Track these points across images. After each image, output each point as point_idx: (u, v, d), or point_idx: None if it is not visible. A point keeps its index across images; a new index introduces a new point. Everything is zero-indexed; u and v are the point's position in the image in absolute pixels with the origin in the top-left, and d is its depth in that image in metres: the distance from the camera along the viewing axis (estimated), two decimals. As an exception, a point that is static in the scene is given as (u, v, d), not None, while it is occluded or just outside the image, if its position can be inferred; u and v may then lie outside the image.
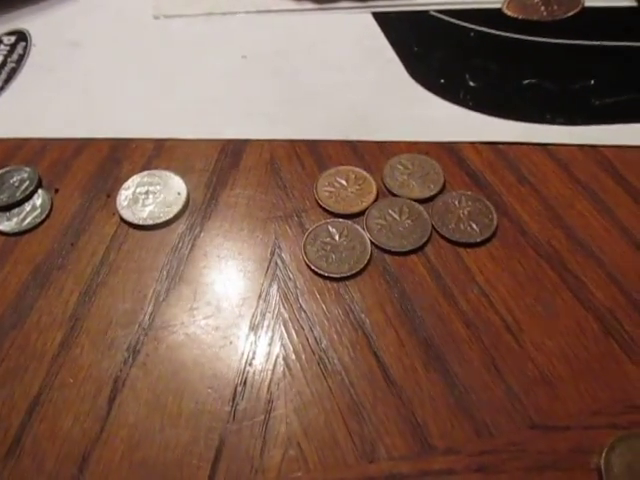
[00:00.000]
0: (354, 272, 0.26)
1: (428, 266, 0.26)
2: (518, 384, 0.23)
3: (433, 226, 0.27)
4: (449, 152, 0.31)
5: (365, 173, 0.29)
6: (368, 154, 0.31)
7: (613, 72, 0.34)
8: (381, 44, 0.36)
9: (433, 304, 0.25)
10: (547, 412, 0.22)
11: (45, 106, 0.34)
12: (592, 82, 0.34)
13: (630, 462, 0.21)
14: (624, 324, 0.25)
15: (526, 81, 0.34)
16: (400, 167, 0.29)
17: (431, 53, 0.35)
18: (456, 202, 0.28)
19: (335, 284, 0.26)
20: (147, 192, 0.28)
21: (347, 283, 0.26)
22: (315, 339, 0.24)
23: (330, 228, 0.27)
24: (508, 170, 0.30)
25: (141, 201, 0.28)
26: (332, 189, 0.28)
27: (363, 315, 0.25)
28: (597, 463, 0.21)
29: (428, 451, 0.21)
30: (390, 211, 0.28)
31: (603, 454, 0.21)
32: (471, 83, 0.33)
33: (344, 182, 0.29)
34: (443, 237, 0.27)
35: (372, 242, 0.27)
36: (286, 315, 0.25)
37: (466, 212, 0.28)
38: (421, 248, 0.27)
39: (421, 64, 0.35)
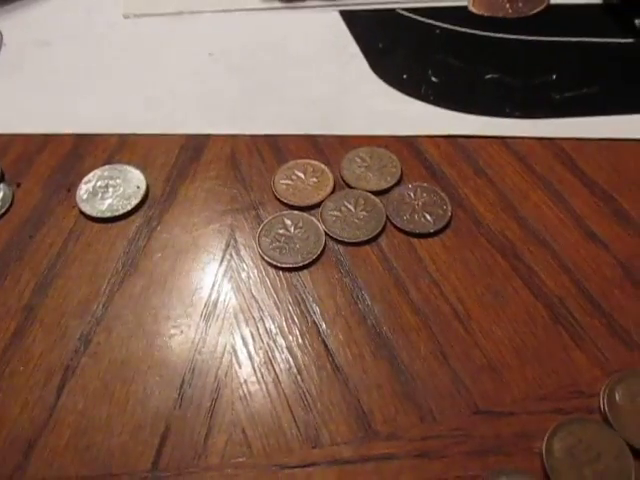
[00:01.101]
0: (307, 262, 0.26)
1: (381, 256, 0.27)
2: (464, 371, 0.23)
3: (388, 217, 0.27)
4: (408, 146, 0.31)
5: (323, 166, 0.29)
6: (328, 148, 0.31)
7: (575, 67, 0.35)
8: (346, 41, 0.36)
9: (384, 293, 0.25)
10: (492, 398, 0.22)
11: (12, 103, 0.34)
12: (554, 77, 0.34)
13: (571, 446, 0.21)
14: (573, 312, 0.25)
15: (488, 76, 0.34)
16: (358, 160, 0.30)
17: (395, 49, 0.36)
18: (411, 194, 0.28)
19: (288, 274, 0.26)
20: (107, 186, 0.29)
21: (300, 273, 0.26)
22: (265, 328, 0.24)
23: (285, 220, 0.27)
24: (465, 163, 0.30)
25: (100, 194, 0.28)
26: (289, 182, 0.29)
27: (314, 304, 0.25)
28: (540, 447, 0.21)
29: (371, 436, 0.21)
30: (346, 203, 0.28)
31: (545, 438, 0.21)
32: (433, 78, 0.34)
33: (302, 175, 0.29)
34: (397, 228, 0.27)
35: (326, 233, 0.27)
36: (237, 305, 0.25)
37: (421, 203, 0.28)
38: (375, 239, 0.27)
39: (385, 60, 0.35)
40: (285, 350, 0.24)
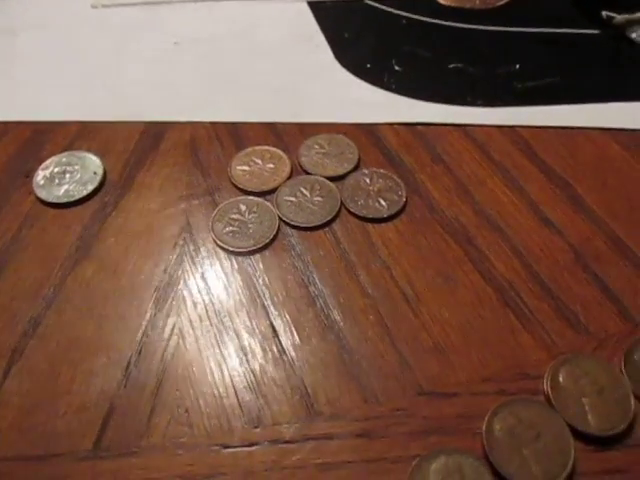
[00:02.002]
0: (259, 247, 0.26)
1: (334, 241, 0.27)
2: (410, 353, 0.23)
3: (342, 202, 0.27)
4: (368, 133, 0.31)
5: (281, 152, 0.29)
6: (288, 135, 0.31)
7: (539, 58, 0.35)
8: (313, 30, 0.36)
9: (334, 277, 0.25)
10: (437, 379, 0.22)
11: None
12: (517, 67, 0.34)
13: (512, 426, 0.21)
14: (522, 295, 0.25)
15: (452, 66, 0.34)
16: (316, 147, 0.30)
17: (361, 39, 0.36)
18: (367, 179, 0.28)
19: (240, 258, 0.26)
20: (64, 172, 0.29)
21: (252, 257, 0.26)
22: (214, 311, 0.24)
23: (240, 205, 0.27)
24: (424, 150, 0.30)
25: (57, 180, 0.28)
26: (247, 168, 0.29)
27: (264, 288, 0.25)
28: (481, 428, 0.21)
29: (313, 417, 0.21)
30: (301, 188, 0.28)
31: (486, 419, 0.21)
32: (397, 68, 0.34)
33: (259, 161, 0.29)
34: (351, 213, 0.27)
35: (280, 218, 0.27)
36: (188, 288, 0.25)
37: (376, 189, 0.28)
38: (329, 223, 0.27)
39: (350, 50, 0.35)
40: (232, 332, 0.24)
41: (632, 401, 0.22)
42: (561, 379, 0.22)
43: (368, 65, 0.34)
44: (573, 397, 0.22)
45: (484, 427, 0.21)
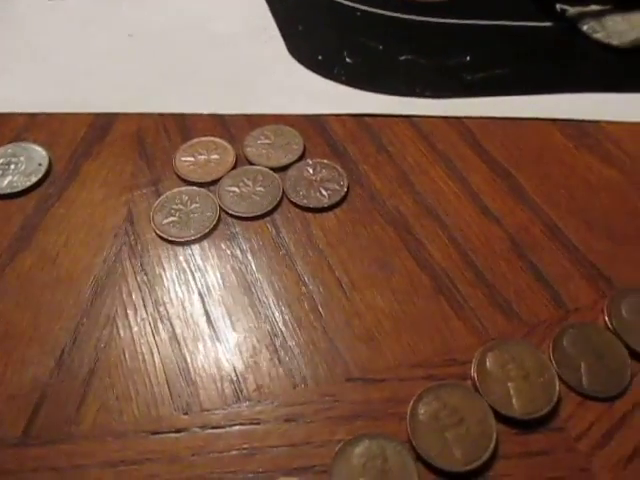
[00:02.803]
0: (199, 236, 0.26)
1: (274, 230, 0.27)
2: (342, 340, 0.23)
3: (284, 193, 0.28)
4: (315, 124, 0.31)
5: (226, 143, 0.30)
6: (235, 127, 0.31)
7: (490, 50, 0.35)
8: (267, 22, 0.36)
9: (272, 266, 0.26)
10: (366, 366, 0.23)
11: None
12: (467, 59, 0.34)
13: (435, 411, 0.21)
14: (457, 283, 0.25)
15: (402, 57, 0.34)
16: (262, 138, 0.30)
17: (314, 31, 0.36)
18: (310, 170, 0.29)
19: (180, 248, 0.26)
20: (9, 163, 0.29)
21: (192, 247, 0.26)
22: (151, 300, 0.24)
23: (182, 196, 0.27)
24: (369, 140, 0.30)
25: (1, 172, 0.28)
26: (191, 159, 0.29)
27: (201, 277, 0.25)
28: (407, 412, 0.22)
29: (242, 402, 0.22)
30: (245, 179, 0.28)
31: (411, 403, 0.22)
32: (348, 59, 0.34)
33: (204, 152, 0.29)
34: (293, 203, 0.27)
35: (222, 208, 0.27)
36: (126, 278, 0.25)
37: (318, 179, 0.28)
38: (270, 213, 0.27)
39: (302, 41, 0.35)
40: (167, 321, 0.24)
41: (557, 385, 0.22)
42: (488, 364, 0.23)
43: (320, 57, 0.34)
44: (499, 382, 0.22)
45: (408, 411, 0.21)
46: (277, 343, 0.23)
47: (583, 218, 0.27)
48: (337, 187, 0.28)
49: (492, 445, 0.21)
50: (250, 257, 0.26)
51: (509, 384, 0.22)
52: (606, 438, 0.21)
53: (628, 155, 0.30)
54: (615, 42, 0.35)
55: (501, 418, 0.21)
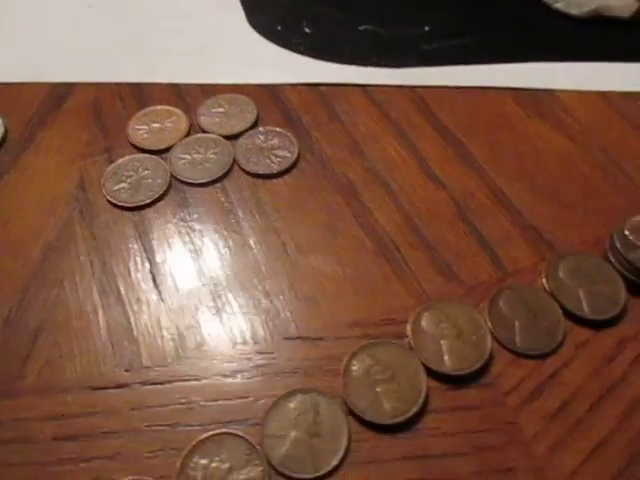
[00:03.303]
0: (148, 202, 0.26)
1: (223, 197, 0.27)
2: (283, 300, 0.24)
3: (235, 160, 0.28)
4: (270, 93, 0.31)
5: (180, 112, 0.30)
6: (191, 96, 0.31)
7: (450, 19, 0.35)
8: (228, -6, 0.37)
9: (219, 230, 0.26)
10: (306, 325, 0.23)
11: None
12: (426, 29, 0.34)
13: (368, 367, 0.22)
14: (400, 246, 0.26)
15: (362, 27, 0.34)
16: (216, 106, 0.30)
17: (275, 2, 0.36)
18: (262, 137, 0.29)
19: (130, 214, 0.27)
20: (-35, 131, 0.29)
21: (142, 213, 0.27)
22: (99, 263, 0.25)
23: (135, 163, 0.28)
24: (323, 109, 0.31)
25: (-43, 140, 0.29)
26: (145, 127, 0.29)
27: (149, 241, 0.26)
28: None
29: (182, 360, 0.22)
30: (196, 146, 0.28)
31: (345, 360, 0.22)
32: (307, 30, 0.34)
33: (158, 121, 0.29)
34: (243, 170, 0.28)
35: (173, 175, 0.27)
36: (76, 242, 0.26)
37: (269, 146, 0.28)
38: (220, 180, 0.28)
39: (263, 12, 0.35)
40: (113, 283, 0.24)
41: (489, 343, 0.23)
42: (423, 323, 0.23)
43: (279, 27, 0.34)
44: (432, 339, 0.23)
45: (342, 368, 0.22)
46: (219, 304, 0.24)
47: (529, 184, 0.28)
48: (287, 154, 0.28)
49: (421, 399, 0.21)
50: (198, 222, 0.26)
51: (442, 342, 0.23)
52: (535, 394, 0.22)
53: (579, 123, 0.30)
54: (574, 12, 0.35)
55: (433, 374, 0.22)
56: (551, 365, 0.23)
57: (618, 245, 0.25)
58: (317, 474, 0.20)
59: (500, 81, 0.32)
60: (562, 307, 0.24)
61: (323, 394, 0.21)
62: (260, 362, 0.22)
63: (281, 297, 0.24)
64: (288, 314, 0.24)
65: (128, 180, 0.27)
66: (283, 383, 0.22)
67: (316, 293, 0.24)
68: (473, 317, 0.23)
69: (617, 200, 0.28)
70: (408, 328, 0.23)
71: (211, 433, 0.21)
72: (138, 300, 0.24)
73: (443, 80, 0.32)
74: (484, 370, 0.22)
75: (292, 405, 0.21)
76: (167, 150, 0.28)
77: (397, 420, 0.21)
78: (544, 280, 0.24)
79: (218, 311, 0.24)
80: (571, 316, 0.24)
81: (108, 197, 0.26)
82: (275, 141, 0.29)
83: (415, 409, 0.21)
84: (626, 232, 0.25)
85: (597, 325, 0.24)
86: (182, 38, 0.34)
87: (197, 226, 0.26)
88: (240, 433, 0.21)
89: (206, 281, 0.24)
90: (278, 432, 0.21)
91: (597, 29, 0.35)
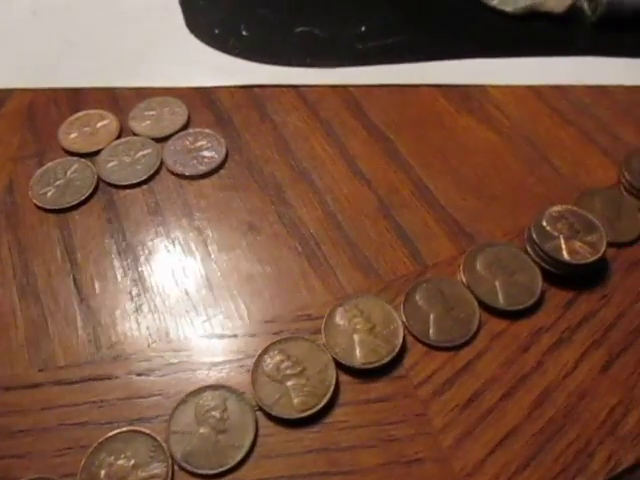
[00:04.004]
0: (74, 204, 0.27)
1: (150, 198, 0.27)
2: (200, 299, 0.24)
3: (163, 161, 0.28)
4: (202, 95, 0.32)
5: (112, 115, 0.30)
6: (125, 99, 0.31)
7: (386, 19, 0.36)
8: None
9: (143, 232, 0.26)
10: (222, 323, 0.23)
11: None
12: (363, 29, 0.35)
13: (279, 362, 0.22)
14: (320, 243, 0.26)
15: (298, 29, 0.35)
16: (148, 109, 0.30)
17: (215, 5, 0.36)
18: (190, 139, 0.29)
19: (55, 216, 0.27)
20: None
21: (67, 215, 0.27)
22: (21, 265, 0.25)
23: (63, 166, 0.28)
24: (255, 110, 0.31)
25: None
26: (76, 131, 0.30)
27: (73, 243, 0.26)
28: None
29: (96, 359, 0.22)
30: (126, 149, 0.29)
31: (256, 356, 0.22)
32: (244, 32, 0.34)
33: (89, 124, 0.30)
34: (171, 171, 0.28)
35: (100, 177, 0.28)
36: (2, 244, 0.26)
37: (197, 147, 0.29)
38: (147, 182, 0.28)
39: (201, 16, 0.36)
40: (34, 285, 0.24)
41: (401, 336, 0.23)
42: (337, 318, 0.23)
43: (216, 30, 0.35)
44: (344, 334, 0.23)
45: (253, 364, 0.22)
46: (137, 303, 0.24)
47: (454, 178, 0.28)
48: (215, 155, 0.28)
49: (329, 393, 0.21)
50: (124, 224, 0.26)
51: (354, 336, 0.23)
52: (446, 385, 0.22)
53: (508, 117, 0.31)
54: (508, 9, 0.35)
55: (344, 368, 0.22)
56: (464, 356, 0.23)
57: (534, 236, 0.25)
58: (220, 469, 0.20)
59: (432, 78, 0.32)
60: (478, 299, 0.24)
61: (232, 390, 0.21)
62: (174, 360, 0.23)
63: (198, 296, 0.24)
64: (204, 312, 0.24)
65: (55, 183, 0.27)
66: (195, 380, 0.22)
67: (235, 291, 0.24)
68: (387, 311, 0.23)
69: (542, 191, 0.28)
70: (323, 324, 0.23)
71: (118, 431, 0.21)
72: (56, 301, 0.24)
73: (376, 79, 0.32)
74: (396, 363, 0.22)
75: (200, 402, 0.21)
76: (97, 153, 0.29)
77: (304, 414, 0.21)
78: (461, 273, 0.25)
79: (135, 310, 0.24)
80: (487, 308, 0.24)
81: (34, 200, 0.27)
82: (203, 142, 0.29)
83: (323, 403, 0.21)
84: (544, 223, 0.25)
85: (513, 316, 0.24)
86: (120, 43, 0.34)
87: (121, 227, 0.26)
88: (147, 430, 0.21)
89: (126, 281, 0.25)
90: (184, 429, 0.21)
91: (531, 25, 0.36)
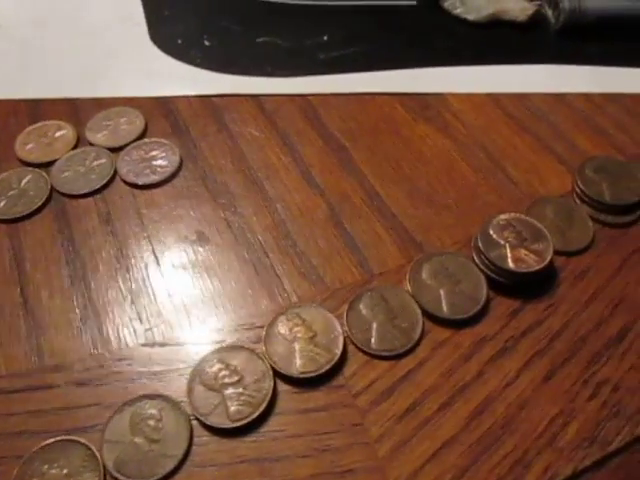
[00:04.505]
0: (26, 214, 0.27)
1: (102, 207, 0.27)
2: (148, 309, 0.24)
3: (117, 171, 0.28)
4: (161, 105, 0.32)
5: (69, 126, 0.30)
6: (84, 110, 0.32)
7: (349, 29, 0.36)
8: (135, 10, 0.37)
9: (94, 241, 0.26)
10: (166, 332, 0.23)
11: None
12: (325, 38, 0.35)
13: (217, 371, 0.22)
14: (269, 252, 0.26)
15: (260, 39, 0.35)
16: (106, 120, 0.31)
17: (179, 16, 0.37)
18: (145, 149, 0.29)
19: (6, 226, 0.27)
20: None
21: (19, 225, 0.27)
22: (-30, 276, 0.25)
23: (17, 177, 0.28)
24: (212, 120, 0.31)
25: None
26: (33, 142, 0.30)
27: (24, 252, 0.26)
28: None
29: (37, 369, 0.22)
30: (80, 159, 0.29)
31: (195, 363, 0.22)
32: (206, 42, 0.35)
33: (46, 135, 0.30)
34: (124, 181, 0.28)
35: (54, 187, 0.28)
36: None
37: (151, 157, 0.29)
38: (99, 191, 0.28)
39: (165, 27, 0.36)
40: (-19, 294, 0.25)
41: (341, 345, 0.23)
42: (278, 327, 0.23)
43: (179, 41, 0.35)
44: (285, 343, 0.23)
45: (190, 373, 0.22)
46: (83, 312, 0.24)
47: (406, 187, 0.28)
48: (168, 165, 0.28)
49: (265, 403, 0.21)
50: (74, 233, 0.27)
51: (295, 345, 0.23)
52: (385, 395, 0.22)
53: (465, 125, 0.31)
54: (472, 17, 0.35)
55: (283, 377, 0.22)
56: (405, 366, 0.23)
57: (480, 244, 0.25)
58: (152, 479, 0.20)
59: (391, 87, 0.32)
60: (422, 308, 0.24)
61: (169, 399, 0.21)
62: (115, 369, 0.23)
63: (145, 306, 0.24)
64: (149, 321, 0.24)
65: (9, 194, 0.28)
66: (134, 389, 0.22)
67: (179, 300, 0.24)
68: (329, 320, 0.23)
69: (494, 200, 0.28)
70: (264, 333, 0.23)
71: (53, 440, 0.21)
72: (2, 310, 0.24)
73: (335, 88, 0.32)
74: (335, 372, 0.22)
75: (136, 411, 0.21)
76: (53, 163, 0.29)
77: (239, 424, 0.21)
78: (407, 281, 0.25)
79: (80, 320, 0.24)
80: (431, 317, 0.24)
81: (-14, 211, 0.27)
82: (157, 152, 0.29)
83: (258, 412, 0.21)
84: (490, 231, 0.25)
85: (457, 325, 0.24)
86: (83, 54, 0.35)
87: (72, 237, 0.26)
88: (82, 439, 0.21)
89: (72, 291, 0.25)
90: (118, 438, 0.21)
91: (494, 33, 0.36)
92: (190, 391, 0.21)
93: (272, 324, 0.23)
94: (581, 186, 0.28)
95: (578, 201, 0.28)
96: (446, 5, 0.36)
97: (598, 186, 0.28)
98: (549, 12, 0.36)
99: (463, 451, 0.21)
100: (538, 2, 0.36)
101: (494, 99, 0.32)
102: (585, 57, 0.34)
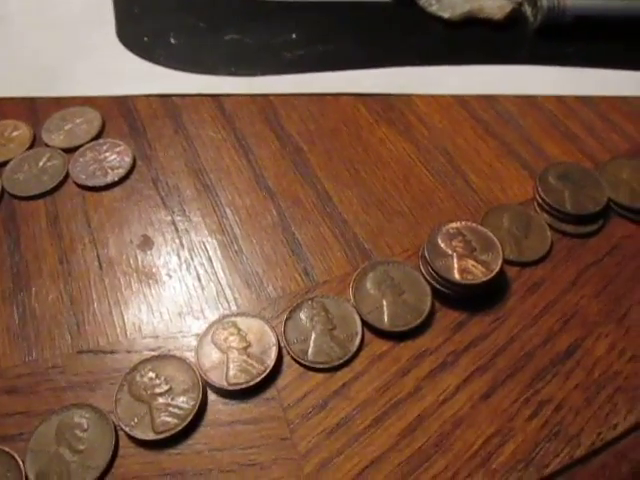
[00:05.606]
0: (-25, 216, 0.27)
1: (51, 209, 0.27)
2: (86, 313, 0.24)
3: (69, 173, 0.28)
4: (120, 105, 0.31)
5: (25, 126, 0.30)
6: (42, 109, 0.31)
7: (319, 27, 0.35)
8: (104, 7, 0.37)
9: (37, 245, 0.26)
10: (99, 339, 0.23)
11: None
12: (293, 36, 0.34)
13: (147, 380, 0.21)
14: (213, 258, 0.25)
15: (228, 37, 0.34)
16: (63, 120, 0.30)
17: (147, 13, 0.36)
18: (99, 149, 0.29)
19: (-45, 228, 0.27)
20: None
21: (-32, 227, 0.27)
22: None
23: (-31, 177, 0.28)
24: (170, 120, 0.31)
25: None
26: (-13, 142, 0.30)
27: (-31, 255, 0.26)
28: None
29: (-30, 374, 0.22)
30: (33, 160, 0.29)
31: (123, 375, 0.22)
32: (172, 41, 0.34)
33: (2, 135, 0.30)
34: (75, 183, 0.28)
35: (5, 189, 0.28)
36: None
37: (104, 158, 0.28)
38: (50, 193, 0.28)
39: (133, 24, 0.36)
40: None
41: (273, 356, 0.22)
42: (213, 336, 0.23)
43: (145, 39, 0.34)
44: (218, 353, 0.22)
45: (119, 381, 0.22)
46: (20, 316, 0.24)
47: (360, 192, 0.27)
48: (120, 167, 0.28)
49: (192, 414, 0.21)
50: (21, 236, 0.26)
51: (229, 355, 0.22)
52: (316, 408, 0.21)
53: (428, 128, 0.30)
54: (446, 15, 0.34)
55: (214, 388, 0.22)
56: (340, 379, 0.22)
57: (427, 253, 0.24)
58: (71, 491, 0.20)
59: (355, 87, 0.31)
60: (362, 318, 0.23)
61: (97, 409, 0.21)
62: (46, 377, 0.22)
63: (83, 310, 0.24)
64: (89, 329, 0.23)
65: (-41, 195, 0.28)
66: (65, 398, 0.22)
67: (118, 307, 0.24)
68: (264, 330, 0.23)
69: (450, 207, 0.27)
70: (196, 343, 0.23)
71: (-24, 449, 0.21)
72: (-58, 314, 0.24)
73: (297, 87, 0.31)
74: (267, 384, 0.22)
75: (64, 420, 0.21)
76: (5, 164, 0.29)
77: (163, 436, 0.20)
78: (350, 290, 0.24)
79: (18, 324, 0.24)
80: (371, 328, 0.23)
81: None
82: (111, 153, 0.29)
83: (185, 424, 0.21)
84: (438, 239, 0.24)
85: (398, 337, 0.23)
86: (46, 52, 0.34)
87: (18, 239, 0.26)
88: (6, 448, 0.20)
89: (13, 295, 0.24)
90: (43, 447, 0.20)
91: (469, 32, 0.34)
92: (117, 401, 0.21)
93: (206, 333, 0.23)
94: (542, 194, 0.26)
95: (538, 209, 0.27)
96: (421, 2, 0.35)
97: (560, 194, 0.27)
98: (528, 10, 0.35)
99: (391, 470, 0.20)
100: (517, 0, 0.35)
101: (461, 101, 0.31)
102: (562, 58, 0.33)
